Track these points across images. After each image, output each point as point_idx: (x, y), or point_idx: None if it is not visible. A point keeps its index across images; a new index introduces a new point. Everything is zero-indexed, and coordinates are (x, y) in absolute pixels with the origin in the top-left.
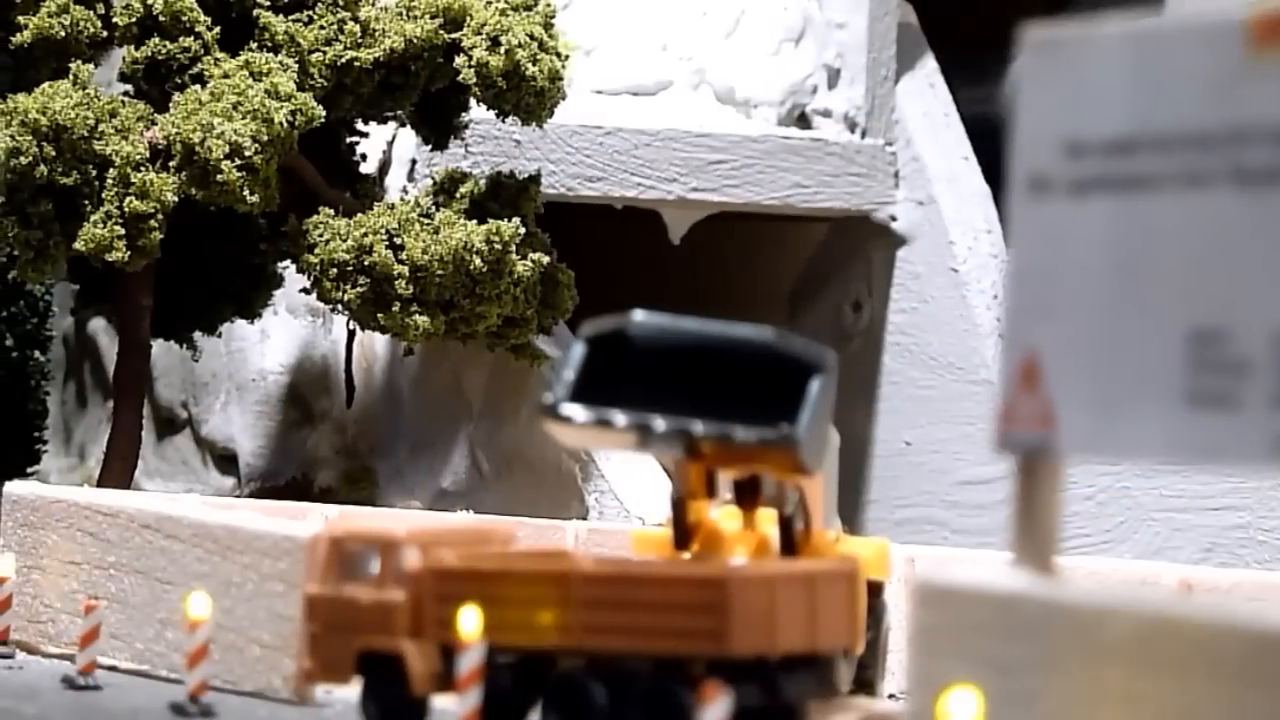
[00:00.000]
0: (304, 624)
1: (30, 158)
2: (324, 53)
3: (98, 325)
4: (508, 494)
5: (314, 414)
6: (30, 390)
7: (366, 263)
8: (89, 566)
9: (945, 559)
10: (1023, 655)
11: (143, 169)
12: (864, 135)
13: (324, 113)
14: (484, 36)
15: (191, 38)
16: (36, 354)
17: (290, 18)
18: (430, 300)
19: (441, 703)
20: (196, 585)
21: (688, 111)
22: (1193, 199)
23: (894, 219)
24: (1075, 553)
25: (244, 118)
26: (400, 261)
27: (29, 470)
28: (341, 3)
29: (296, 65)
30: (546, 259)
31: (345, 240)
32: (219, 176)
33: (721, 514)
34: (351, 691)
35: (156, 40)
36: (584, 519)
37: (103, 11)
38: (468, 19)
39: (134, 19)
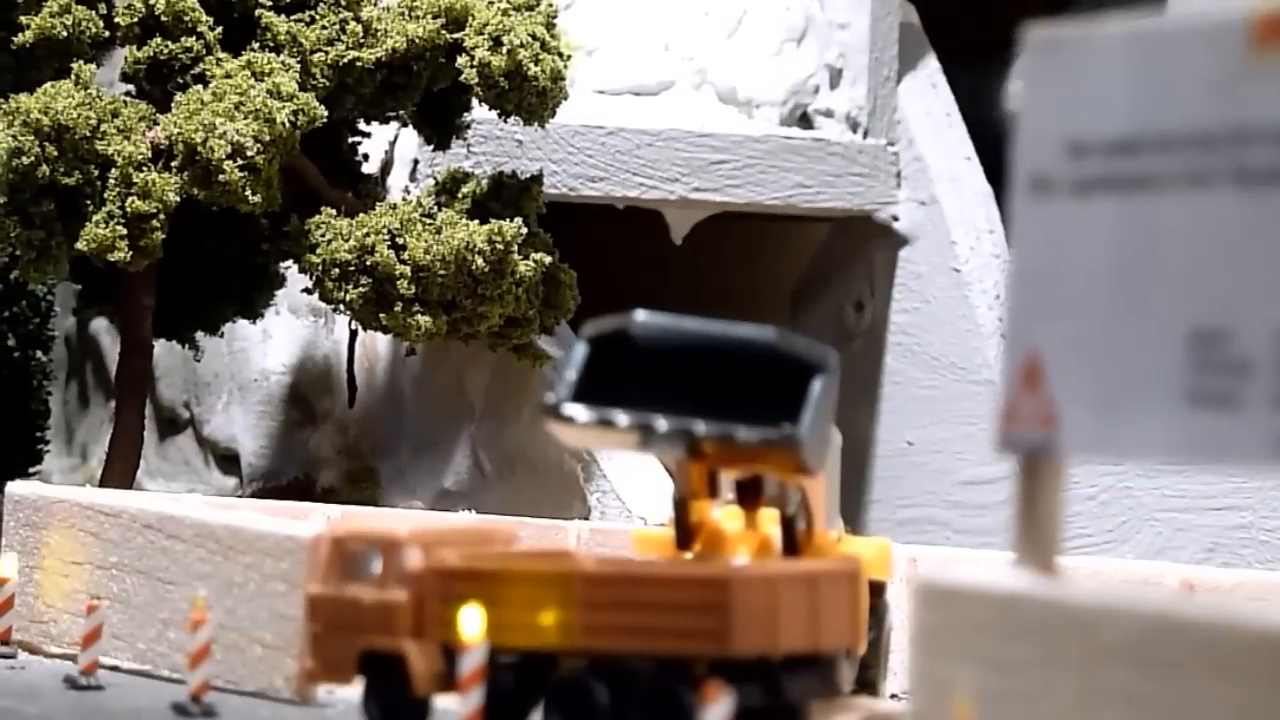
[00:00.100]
0: (306, 624)
1: (32, 158)
2: (326, 53)
3: (100, 325)
4: (510, 494)
5: (316, 414)
6: (32, 390)
7: (368, 263)
8: (91, 566)
9: (947, 559)
10: (1025, 655)
11: (145, 169)
12: (866, 135)
13: (326, 113)
14: (486, 36)
15: (193, 38)
16: (38, 354)
17: (292, 18)
18: (432, 300)
19: (443, 703)
20: (198, 585)
21: (690, 111)
22: (1195, 199)
23: (896, 219)
24: (1077, 553)
25: (246, 118)
26: (402, 261)
27: (31, 470)
28: (343, 3)
29: (298, 65)
30: (548, 259)
31: (347, 240)
32: (221, 176)
33: (723, 514)
34: (353, 692)
35: (158, 40)
36: (586, 519)
37: (105, 11)
38: (470, 19)
39: (136, 19)
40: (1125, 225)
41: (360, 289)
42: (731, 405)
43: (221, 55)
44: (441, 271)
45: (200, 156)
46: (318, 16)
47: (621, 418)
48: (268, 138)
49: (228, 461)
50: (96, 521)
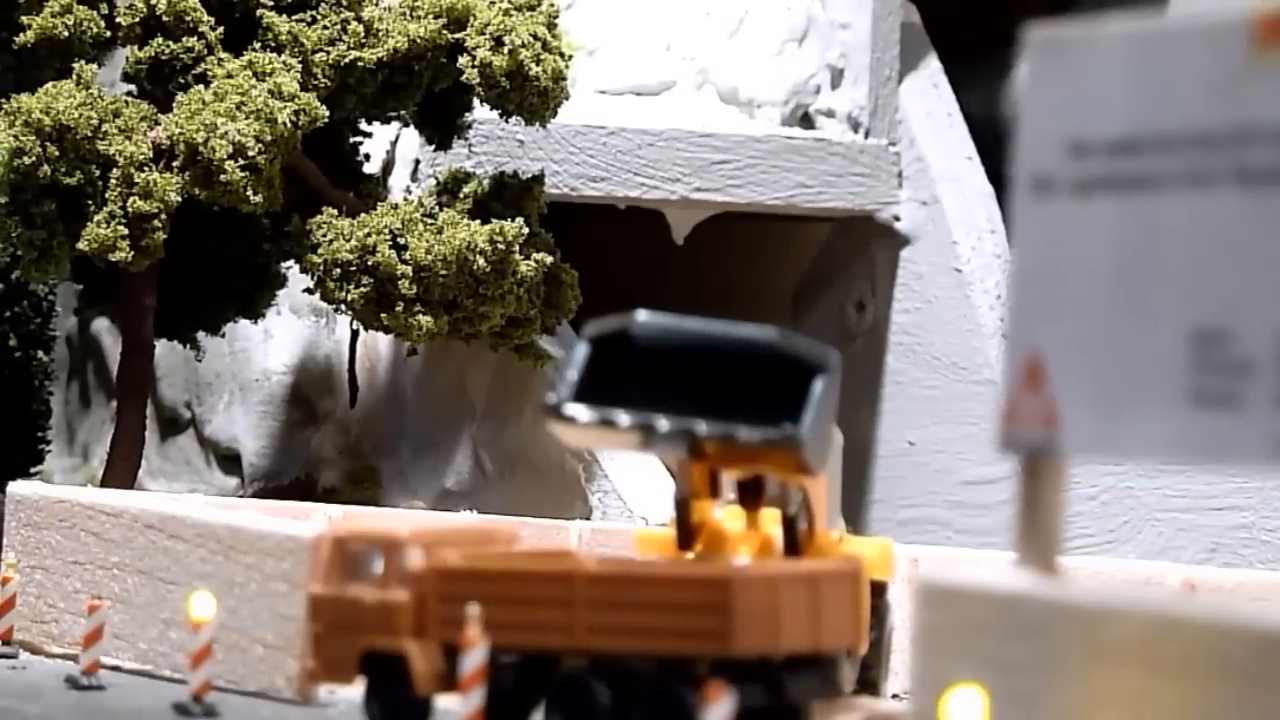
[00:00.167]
0: (307, 624)
1: (34, 158)
2: (327, 52)
3: (101, 325)
4: (511, 494)
5: (317, 414)
6: (34, 390)
7: (370, 263)
8: (92, 566)
9: (949, 559)
10: (1026, 655)
11: (146, 169)
12: (867, 135)
13: (327, 113)
14: (487, 36)
15: (195, 38)
16: (40, 354)
17: (294, 18)
18: (434, 300)
19: (445, 703)
20: (200, 585)
21: (691, 111)
22: (1196, 199)
23: (897, 219)
24: (1078, 553)
25: (247, 118)
26: (404, 261)
27: (32, 470)
28: (345, 3)
29: (300, 65)
30: (550, 259)
31: (349, 240)
32: (222, 176)
33: (725, 514)
34: (355, 691)
35: (160, 40)
36: (587, 519)
37: (106, 11)
38: (471, 19)
39: (137, 19)
40: (1126, 225)
41: (362, 289)
42: (733, 405)
43: (223, 55)
44: (443, 271)
45: (202, 156)
46: (319, 16)
47: (623, 418)
48: (269, 138)
49: (229, 461)
50: (98, 521)
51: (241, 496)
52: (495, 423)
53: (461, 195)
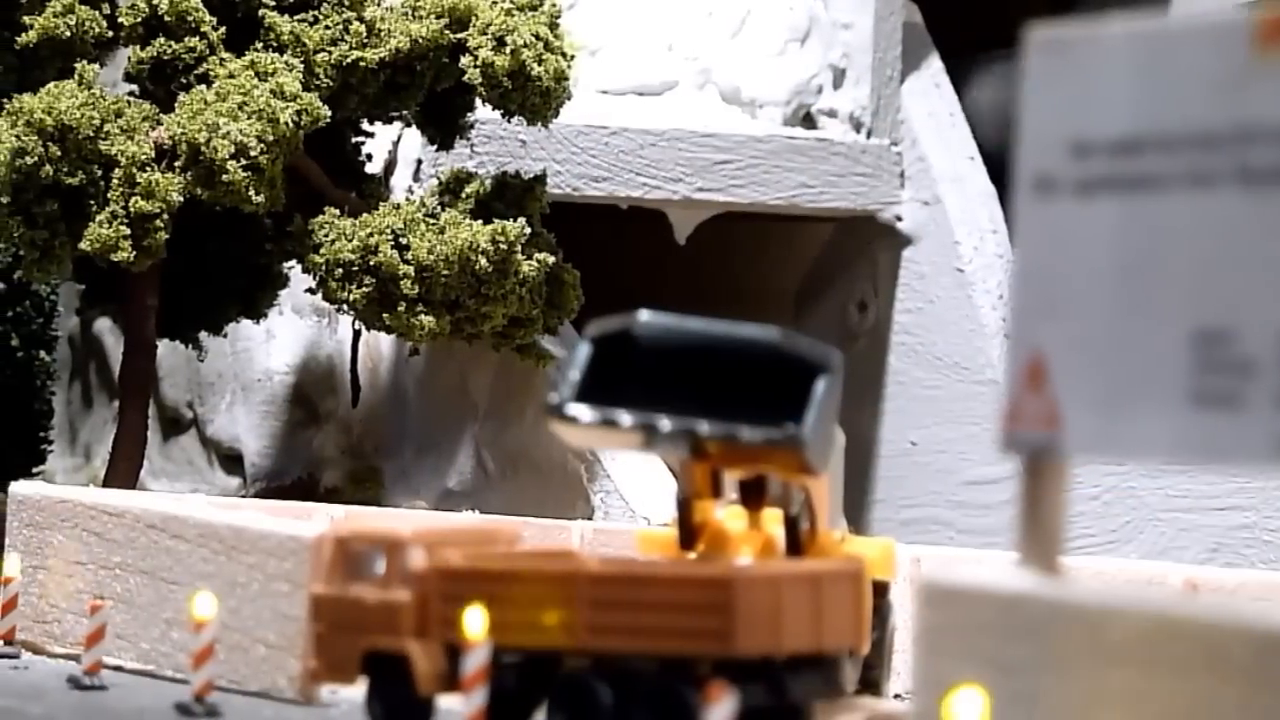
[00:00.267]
0: (309, 624)
1: (36, 158)
2: (329, 53)
3: (103, 325)
4: (513, 494)
5: (319, 414)
6: (36, 390)
7: (372, 263)
8: (94, 566)
9: (951, 559)
10: (1028, 655)
11: (148, 169)
12: (869, 135)
13: (329, 113)
14: (489, 36)
15: (197, 38)
16: (42, 354)
17: (295, 18)
18: (436, 300)
19: (447, 703)
20: (202, 585)
21: (693, 111)
22: (1198, 199)
23: (899, 219)
24: (1080, 553)
25: (249, 118)
26: (406, 261)
27: (34, 470)
28: (347, 3)
29: (302, 65)
30: (552, 259)
31: (350, 240)
32: (224, 176)
33: (727, 514)
34: (357, 691)
35: (162, 40)
36: (589, 519)
37: (108, 12)
38: (473, 19)
39: (139, 19)
40: (1129, 225)
41: (364, 289)
42: (735, 405)
43: (225, 55)
44: (445, 271)
45: (204, 156)
46: (321, 16)
47: (625, 418)
48: (271, 138)
49: (231, 461)
50: (100, 521)
51: (243, 496)
52: (497, 423)
53: (464, 195)
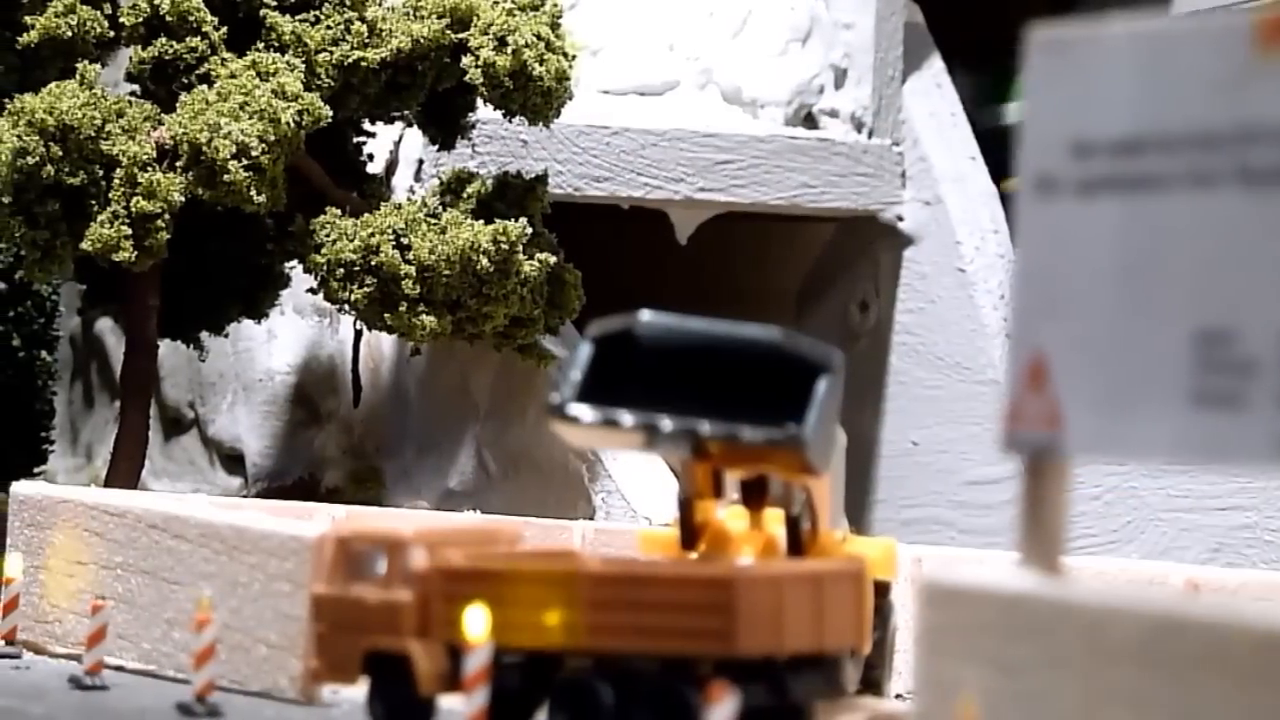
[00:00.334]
0: (311, 624)
1: (37, 158)
2: (331, 53)
3: (104, 325)
4: (515, 494)
5: (321, 414)
6: (37, 390)
7: (373, 263)
8: (96, 566)
9: (952, 559)
10: (1029, 655)
11: (149, 169)
12: (871, 135)
13: (331, 113)
14: (491, 36)
15: (198, 38)
16: (43, 354)
17: (297, 18)
18: (437, 300)
19: (448, 703)
20: (203, 585)
21: (694, 111)
22: (1200, 199)
23: (901, 219)
24: (1082, 553)
25: (251, 118)
26: (407, 261)
27: (36, 470)
28: (348, 3)
29: (303, 65)
30: (553, 259)
31: (352, 240)
32: (226, 176)
33: (728, 514)
34: (358, 691)
35: (163, 40)
36: (591, 519)
37: (109, 12)
38: (475, 19)
39: (140, 19)
40: (1130, 225)
41: (365, 289)
42: (736, 405)
43: (226, 55)
44: (446, 271)
45: (205, 156)
46: (323, 16)
47: (626, 418)
48: (272, 138)
49: (232, 461)
50: (101, 521)
51: (245, 496)
52: (499, 423)
53: (465, 195)
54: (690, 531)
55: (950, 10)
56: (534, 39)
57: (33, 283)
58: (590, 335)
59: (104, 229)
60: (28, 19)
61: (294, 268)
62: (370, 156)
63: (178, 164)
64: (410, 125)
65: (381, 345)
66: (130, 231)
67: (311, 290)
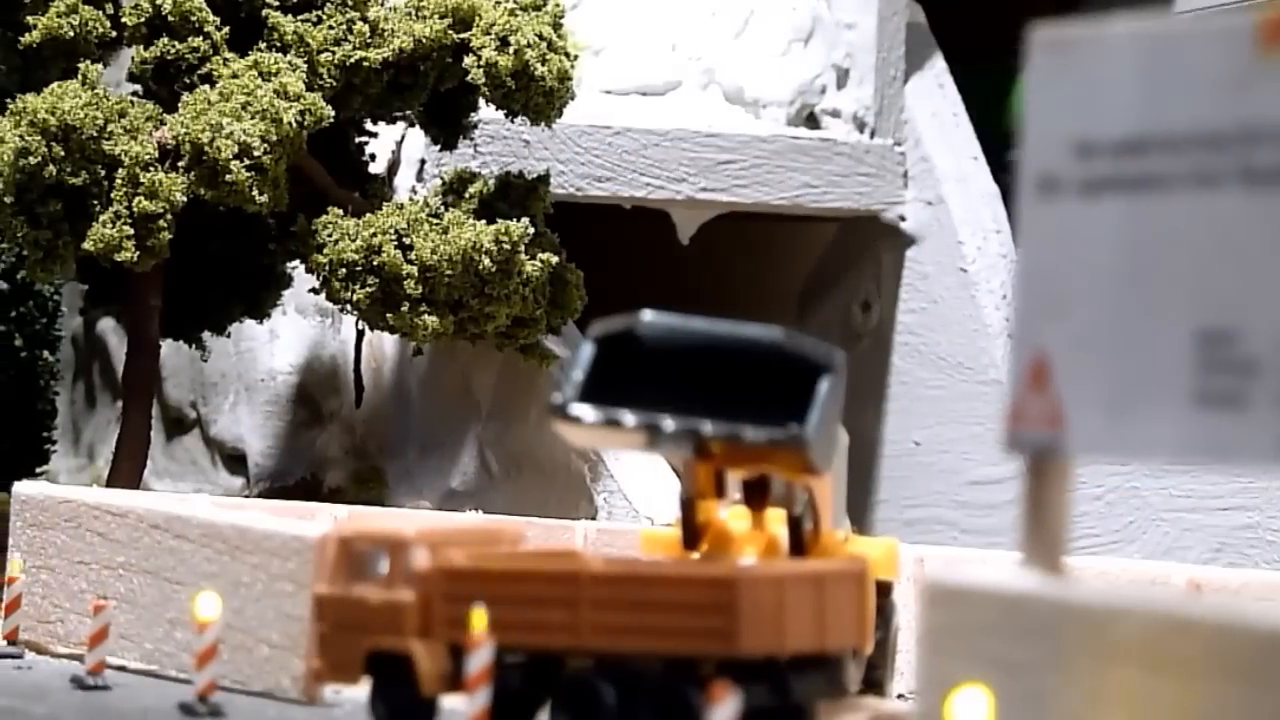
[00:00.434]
0: (313, 624)
1: (39, 158)
2: (333, 53)
3: (107, 325)
4: (517, 494)
5: (323, 414)
6: (39, 390)
7: (375, 263)
8: (98, 566)
9: (954, 559)
10: (1032, 655)
11: (152, 169)
12: (873, 135)
13: (333, 113)
14: (493, 36)
15: (200, 38)
16: (45, 354)
17: (299, 18)
18: (439, 300)
19: (450, 703)
20: (205, 585)
21: (697, 111)
22: (1202, 199)
23: (903, 219)
24: (1084, 553)
25: (253, 118)
26: (409, 261)
27: (38, 470)
28: (350, 3)
29: (305, 65)
30: (555, 259)
31: (354, 240)
32: (228, 176)
33: (730, 514)
34: (360, 692)
35: (165, 40)
36: (593, 519)
37: (111, 11)
38: (477, 19)
39: (143, 19)
40: (1132, 225)
41: (367, 289)
42: (738, 405)
43: (228, 55)
44: (448, 271)
45: (207, 156)
46: (325, 16)
47: (628, 418)
48: (274, 138)
49: (235, 461)
50: (103, 521)
51: (247, 496)
52: (501, 423)
53: (467, 195)
54: (692, 531)
55: (952, 10)
56: (536, 39)
57: (35, 283)
58: (592, 335)
59: (106, 229)
60: (30, 19)
61: (296, 268)
62: (372, 156)
63: (180, 164)
64: (412, 125)
65: (384, 345)
66: (132, 231)
67: (314, 290)
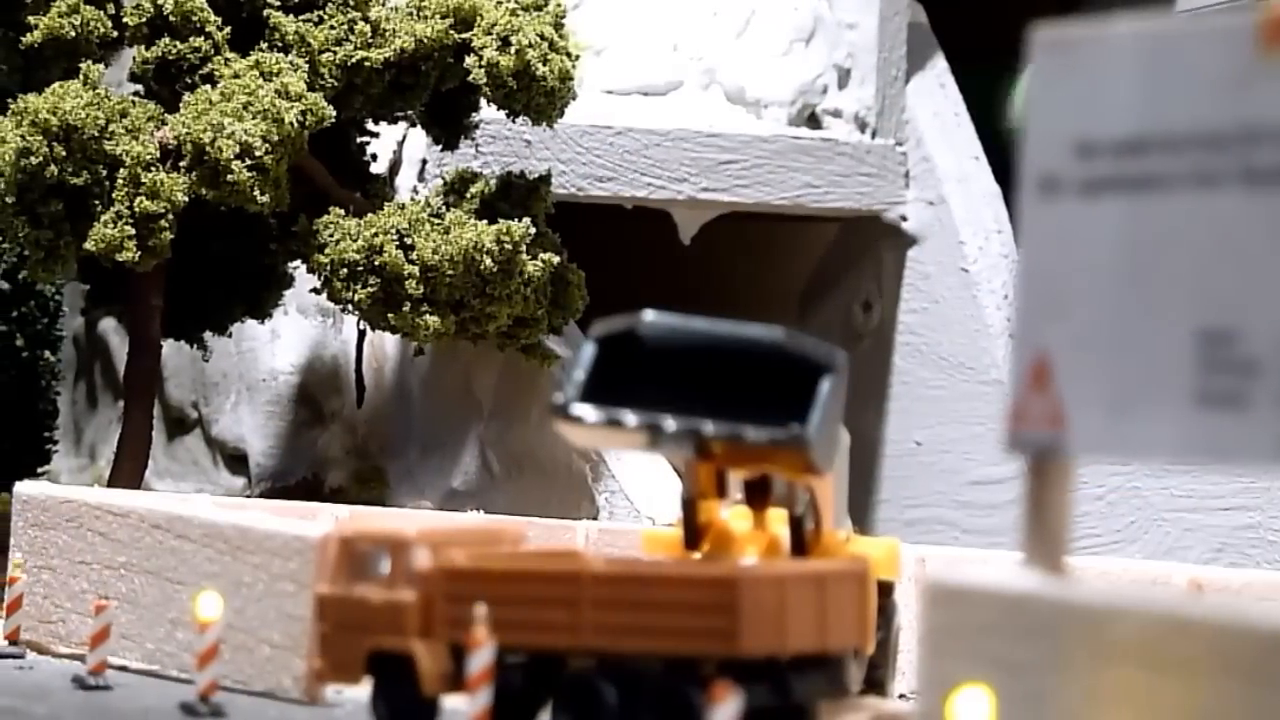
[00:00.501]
0: (314, 624)
1: (41, 158)
2: (334, 53)
3: (108, 325)
4: (518, 494)
5: (324, 414)
6: (41, 390)
7: (377, 263)
8: (99, 566)
9: (956, 559)
10: (1033, 655)
11: (153, 169)
12: (874, 135)
13: (334, 113)
14: (494, 36)
15: (202, 38)
16: (47, 354)
17: (300, 18)
18: (440, 300)
19: (452, 703)
20: (207, 585)
21: (698, 111)
22: (1203, 199)
23: (904, 219)
24: (1085, 553)
25: (254, 118)
26: (410, 261)
27: (39, 470)
28: (352, 3)
29: (307, 65)
30: (557, 259)
31: (355, 240)
32: (229, 176)
33: (732, 514)
34: (362, 692)
35: (167, 40)
36: (594, 519)
37: (113, 11)
38: (478, 19)
39: (144, 19)
40: (1133, 225)
41: (368, 289)
42: (740, 405)
43: (230, 55)
44: (450, 271)
45: (208, 156)
46: (326, 16)
47: (630, 418)
48: (276, 138)
49: (236, 461)
50: (105, 521)
51: (248, 496)
52: (502, 423)
53: (468, 195)
54: (694, 531)
55: (954, 10)
56: (537, 39)
57: (36, 283)
58: (594, 335)
59: (107, 229)
60: (31, 19)
61: (297, 268)
62: (374, 156)
63: (181, 164)
64: (414, 125)
65: (385, 345)
66: (134, 231)
67: (315, 290)
